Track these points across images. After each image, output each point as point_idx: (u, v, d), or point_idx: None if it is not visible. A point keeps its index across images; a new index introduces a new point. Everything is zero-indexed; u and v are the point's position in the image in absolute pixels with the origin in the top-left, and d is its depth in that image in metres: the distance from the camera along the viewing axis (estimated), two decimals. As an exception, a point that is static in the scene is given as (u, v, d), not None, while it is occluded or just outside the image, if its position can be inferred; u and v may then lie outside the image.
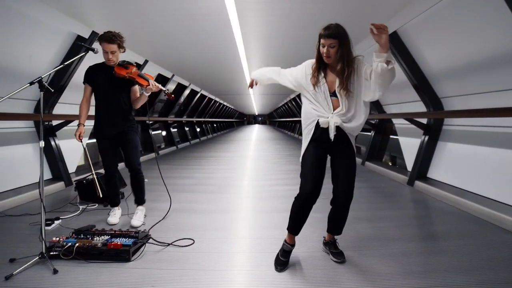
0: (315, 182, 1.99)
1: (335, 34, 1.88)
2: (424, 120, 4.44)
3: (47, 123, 4.31)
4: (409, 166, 4.93)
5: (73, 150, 4.93)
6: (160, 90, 2.69)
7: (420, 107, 4.55)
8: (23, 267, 1.97)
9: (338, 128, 1.97)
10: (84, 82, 2.72)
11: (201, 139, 14.06)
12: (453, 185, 3.90)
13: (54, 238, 2.23)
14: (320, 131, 2.01)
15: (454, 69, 3.79)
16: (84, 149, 2.95)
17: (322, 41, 1.93)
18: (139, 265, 2.09)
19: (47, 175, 4.33)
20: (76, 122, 4.78)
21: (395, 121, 5.46)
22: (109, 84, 2.63)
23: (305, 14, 4.04)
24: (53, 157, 4.32)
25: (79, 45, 4.09)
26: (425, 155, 4.37)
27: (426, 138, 4.35)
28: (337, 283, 1.88)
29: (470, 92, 3.70)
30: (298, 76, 2.10)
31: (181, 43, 5.27)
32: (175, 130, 11.21)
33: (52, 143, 4.33)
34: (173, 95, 2.75)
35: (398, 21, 3.97)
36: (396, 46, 4.22)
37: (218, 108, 19.24)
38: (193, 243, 2.43)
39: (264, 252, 2.28)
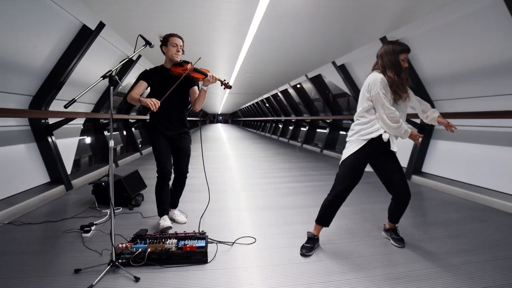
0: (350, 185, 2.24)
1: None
2: (418, 120, 4.86)
3: (43, 121, 3.92)
4: (402, 162, 5.34)
5: (68, 150, 4.56)
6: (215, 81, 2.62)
7: (409, 109, 4.97)
8: (100, 277, 1.82)
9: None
10: (140, 79, 2.58)
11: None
12: (445, 176, 4.44)
13: (120, 245, 2.08)
14: (374, 143, 2.18)
15: (444, 75, 4.27)
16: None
17: (403, 56, 2.15)
18: (217, 266, 2.05)
19: (45, 178, 3.94)
20: (76, 120, 4.48)
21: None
22: (168, 85, 2.50)
23: (305, 26, 4.28)
24: (52, 159, 3.95)
25: (84, 37, 3.84)
26: (420, 151, 4.80)
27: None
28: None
29: (457, 96, 4.22)
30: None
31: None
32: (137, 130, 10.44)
33: (50, 142, 3.95)
34: (231, 85, 2.68)
35: (399, 33, 4.38)
36: (398, 51, 4.57)
37: (186, 106, 18.74)
38: (255, 241, 2.44)
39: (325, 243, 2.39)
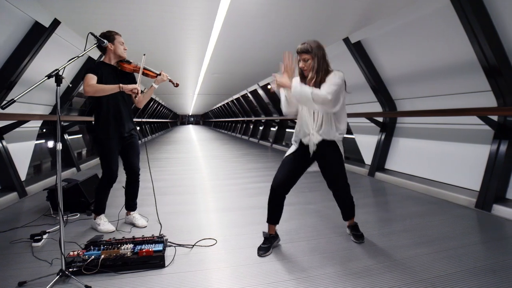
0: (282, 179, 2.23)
1: (307, 49, 2.07)
2: (380, 119, 5.04)
3: (-9, 123, 3.66)
4: (366, 159, 5.53)
5: (23, 155, 4.28)
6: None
7: (372, 108, 5.17)
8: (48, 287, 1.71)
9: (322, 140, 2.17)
10: (90, 72, 2.46)
11: (143, 141, 13.22)
12: (406, 172, 4.65)
13: (71, 253, 1.97)
14: (305, 146, 2.25)
15: (404, 75, 4.46)
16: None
17: (298, 57, 2.12)
18: (175, 270, 2.00)
19: (-5, 185, 3.68)
20: (32, 123, 4.23)
21: (351, 120, 6.01)
22: (116, 81, 2.50)
23: (267, 25, 4.32)
24: (2, 164, 3.69)
25: (37, 34, 3.62)
26: (383, 149, 4.98)
27: (383, 134, 4.96)
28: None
29: (415, 95, 4.43)
30: None
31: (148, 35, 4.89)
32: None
33: (0, 147, 3.69)
34: (178, 83, 2.80)
35: (361, 34, 4.54)
36: (359, 53, 4.73)
37: (156, 108, 18.29)
38: (216, 243, 2.41)
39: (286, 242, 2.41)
